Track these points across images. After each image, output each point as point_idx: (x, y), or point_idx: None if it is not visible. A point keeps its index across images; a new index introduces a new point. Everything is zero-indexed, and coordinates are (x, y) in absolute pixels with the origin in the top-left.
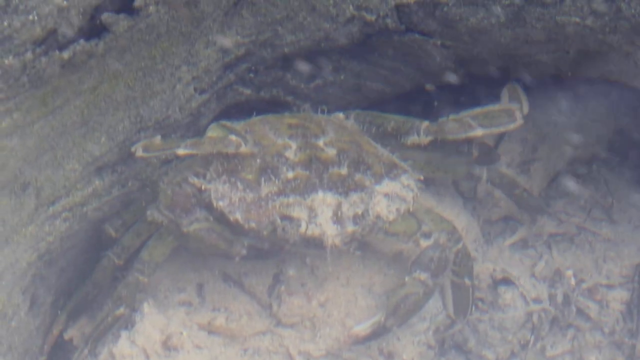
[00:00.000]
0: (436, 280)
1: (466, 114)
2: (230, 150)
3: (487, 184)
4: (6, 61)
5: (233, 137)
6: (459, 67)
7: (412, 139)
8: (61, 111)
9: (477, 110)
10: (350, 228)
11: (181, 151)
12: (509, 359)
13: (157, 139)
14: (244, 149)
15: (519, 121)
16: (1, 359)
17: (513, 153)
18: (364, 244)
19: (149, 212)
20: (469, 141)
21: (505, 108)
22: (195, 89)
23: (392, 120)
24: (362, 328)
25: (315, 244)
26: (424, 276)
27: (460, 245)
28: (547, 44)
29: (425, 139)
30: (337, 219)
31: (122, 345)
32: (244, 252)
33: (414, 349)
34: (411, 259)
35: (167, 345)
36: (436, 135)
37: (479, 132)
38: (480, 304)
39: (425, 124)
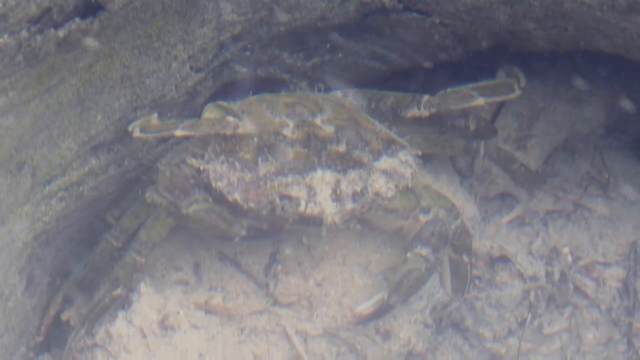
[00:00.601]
0: (437, 255)
1: (464, 87)
2: (228, 131)
3: (485, 159)
4: (1, 40)
5: (230, 118)
6: (457, 44)
7: (413, 112)
8: (57, 90)
9: (475, 84)
10: (349, 206)
11: (179, 132)
12: (506, 336)
13: (154, 118)
14: (241, 129)
15: (518, 91)
16: None
17: (509, 129)
18: (363, 221)
19: (148, 194)
20: (466, 116)
21: (502, 81)
22: (191, 67)
23: (392, 96)
24: (366, 307)
25: (314, 222)
26: (425, 251)
27: (458, 222)
28: (545, 20)
29: (425, 112)
30: (336, 196)
31: (119, 325)
32: (244, 232)
33: (411, 327)
34: (411, 235)
35: (164, 325)
36: (438, 107)
37: (480, 101)
38: (477, 281)
39: (426, 97)
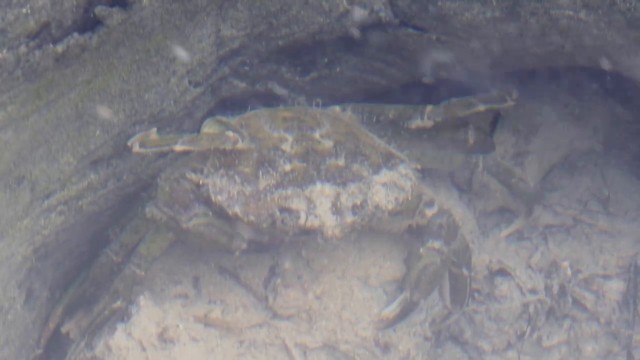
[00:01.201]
0: (450, 246)
1: (462, 99)
2: (227, 146)
3: (484, 172)
4: (0, 55)
5: (230, 133)
6: (455, 62)
7: (416, 123)
8: (55, 104)
9: (472, 97)
10: (349, 219)
11: (178, 147)
12: (505, 349)
13: (153, 132)
14: (240, 145)
15: (511, 102)
16: None
17: (506, 144)
18: (370, 228)
19: (147, 210)
20: (465, 129)
21: (497, 94)
22: (189, 82)
23: (393, 108)
24: (391, 309)
25: (314, 235)
26: (437, 244)
27: (459, 235)
28: (541, 37)
29: (429, 122)
30: (336, 209)
31: (119, 338)
32: (245, 246)
33: (410, 340)
34: (412, 247)
35: (164, 338)
36: (443, 115)
37: (481, 107)
38: (476, 295)
39: (429, 107)
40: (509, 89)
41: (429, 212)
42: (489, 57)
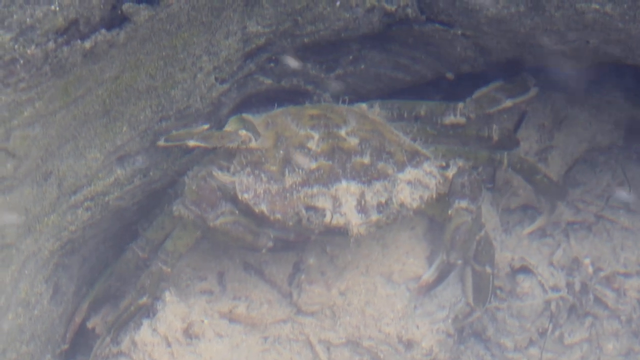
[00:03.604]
0: (477, 203)
1: (485, 90)
2: (235, 145)
3: (508, 169)
4: (28, 51)
5: (243, 132)
6: (479, 55)
7: (450, 119)
8: (83, 100)
9: (492, 85)
10: (374, 217)
11: (192, 143)
12: (528, 347)
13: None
14: (253, 144)
15: (534, 90)
16: (24, 347)
17: (530, 140)
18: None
19: (175, 208)
20: (490, 126)
21: (516, 82)
22: (216, 79)
23: (424, 105)
24: (430, 274)
25: (340, 232)
26: (464, 203)
27: (482, 233)
28: (566, 33)
29: (462, 119)
30: (361, 208)
31: (144, 334)
32: (271, 244)
33: (433, 337)
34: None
35: (189, 334)
36: (475, 112)
37: (509, 103)
38: (498, 292)
39: (461, 104)
40: (526, 75)
41: (449, 174)
42: (512, 51)
